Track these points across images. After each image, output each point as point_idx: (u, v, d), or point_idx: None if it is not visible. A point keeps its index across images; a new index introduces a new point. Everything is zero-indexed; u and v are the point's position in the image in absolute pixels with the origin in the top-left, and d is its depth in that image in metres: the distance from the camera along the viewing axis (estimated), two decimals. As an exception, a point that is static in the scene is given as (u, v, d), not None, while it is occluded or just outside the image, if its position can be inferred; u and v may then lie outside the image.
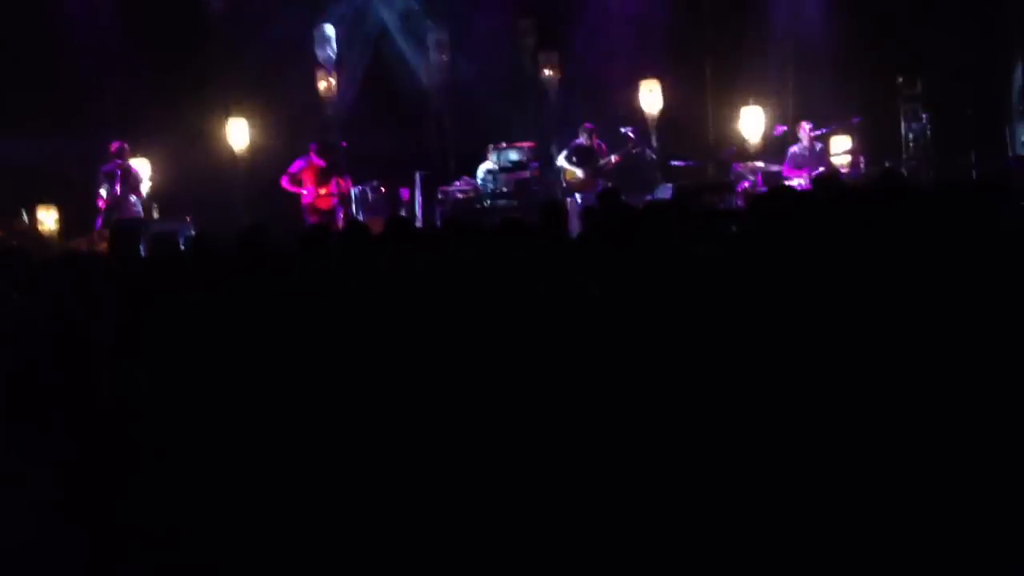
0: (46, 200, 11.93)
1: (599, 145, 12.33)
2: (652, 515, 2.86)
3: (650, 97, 13.08)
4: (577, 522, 2.88)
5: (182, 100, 12.89)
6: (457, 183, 12.81)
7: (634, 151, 12.23)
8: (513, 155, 12.83)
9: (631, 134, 12.34)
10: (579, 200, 11.94)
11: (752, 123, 12.76)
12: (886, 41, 12.37)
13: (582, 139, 12.30)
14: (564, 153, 12.42)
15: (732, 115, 13.10)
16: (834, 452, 2.79)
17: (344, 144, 12.21)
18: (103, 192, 11.17)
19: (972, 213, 3.58)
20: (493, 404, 3.07)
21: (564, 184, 12.38)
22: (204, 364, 3.53)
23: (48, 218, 11.83)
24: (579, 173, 12.23)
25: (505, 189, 12.63)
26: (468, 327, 3.26)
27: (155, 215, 12.02)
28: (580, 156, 12.28)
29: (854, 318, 2.95)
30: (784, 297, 3.08)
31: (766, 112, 12.81)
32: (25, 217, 11.73)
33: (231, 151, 12.99)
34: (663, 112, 13.14)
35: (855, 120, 12.25)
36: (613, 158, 12.21)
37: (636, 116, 13.09)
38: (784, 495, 2.79)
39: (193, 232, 10.87)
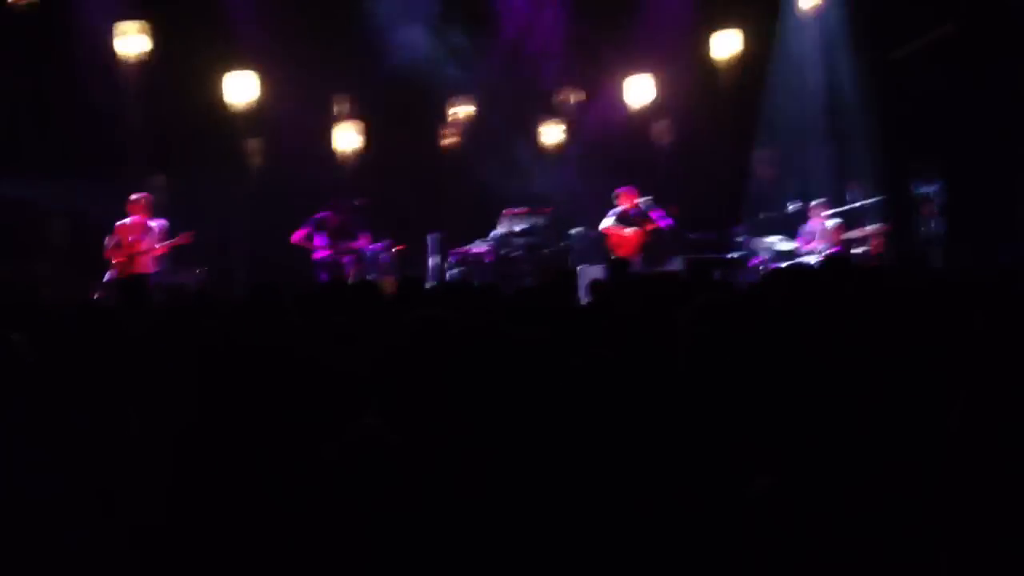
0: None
1: (639, 210, 12.28)
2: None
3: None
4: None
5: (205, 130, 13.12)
6: (470, 246, 12.85)
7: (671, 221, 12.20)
8: (527, 220, 12.87)
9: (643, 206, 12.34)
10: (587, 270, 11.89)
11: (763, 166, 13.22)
12: (909, 125, 12.29)
13: (623, 205, 12.26)
14: (611, 216, 12.29)
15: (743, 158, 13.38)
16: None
17: (359, 203, 12.29)
18: (118, 243, 11.12)
19: (992, 301, 3.55)
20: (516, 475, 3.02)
21: (610, 247, 12.30)
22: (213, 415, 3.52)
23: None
24: (627, 232, 12.16)
25: (518, 254, 12.66)
26: (484, 393, 3.24)
27: (166, 266, 12.01)
28: (626, 218, 12.24)
29: (865, 407, 2.92)
30: (788, 379, 3.06)
31: (777, 171, 13.04)
32: None
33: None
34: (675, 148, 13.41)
35: (869, 200, 12.28)
36: (662, 223, 12.12)
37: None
38: None
39: (203, 284, 10.93)
